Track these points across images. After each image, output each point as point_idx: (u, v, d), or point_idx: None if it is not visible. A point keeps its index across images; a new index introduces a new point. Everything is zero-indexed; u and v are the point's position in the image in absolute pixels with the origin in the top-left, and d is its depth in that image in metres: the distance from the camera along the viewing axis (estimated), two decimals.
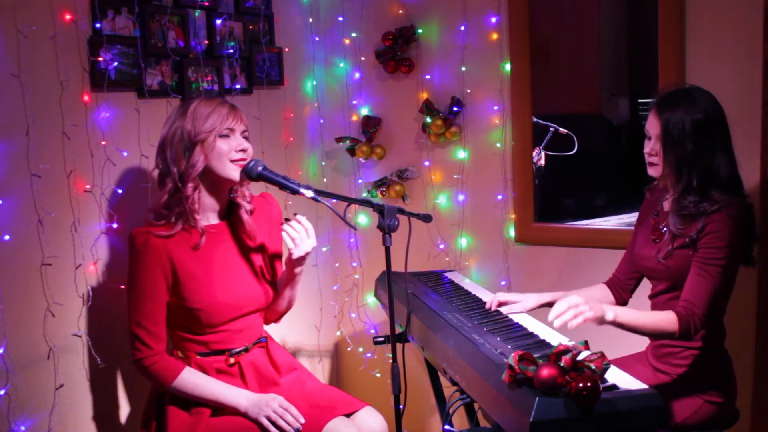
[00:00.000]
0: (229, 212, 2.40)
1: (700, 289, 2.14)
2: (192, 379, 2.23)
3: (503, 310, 2.41)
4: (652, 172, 2.31)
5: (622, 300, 2.52)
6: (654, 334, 2.17)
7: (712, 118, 2.20)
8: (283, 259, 2.47)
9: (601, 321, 2.05)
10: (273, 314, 2.52)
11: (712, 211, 2.16)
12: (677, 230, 2.22)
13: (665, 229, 2.29)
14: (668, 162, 2.23)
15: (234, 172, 2.26)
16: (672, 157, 2.21)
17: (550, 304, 2.43)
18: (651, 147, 2.28)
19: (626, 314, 2.11)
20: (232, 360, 2.31)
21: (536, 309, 2.45)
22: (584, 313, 2.00)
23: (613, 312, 2.07)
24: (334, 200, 2.33)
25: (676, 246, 2.24)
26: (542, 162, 3.31)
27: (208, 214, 2.34)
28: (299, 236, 2.31)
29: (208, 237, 2.29)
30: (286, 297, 2.48)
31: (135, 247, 2.21)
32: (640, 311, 2.16)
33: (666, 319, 2.12)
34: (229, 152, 2.25)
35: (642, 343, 2.45)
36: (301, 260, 2.36)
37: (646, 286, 2.44)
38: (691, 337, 2.15)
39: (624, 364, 2.35)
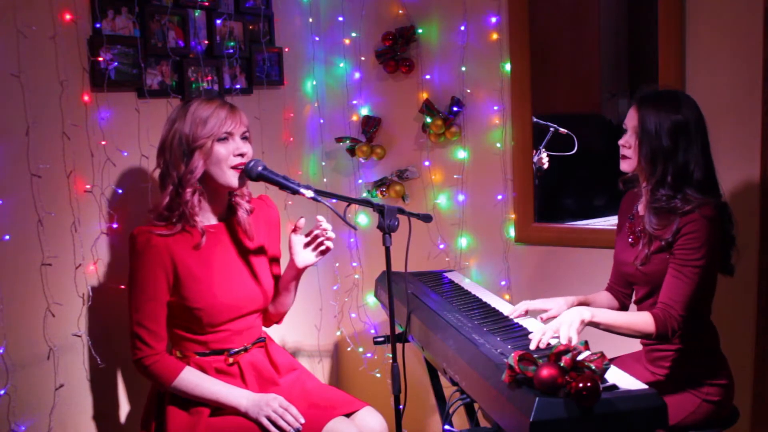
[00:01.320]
0: (229, 212, 2.40)
1: (676, 291, 2.14)
2: (192, 379, 2.22)
3: (543, 316, 2.34)
4: (624, 166, 2.30)
5: (623, 306, 2.52)
6: (631, 335, 2.16)
7: (692, 121, 2.20)
8: (286, 259, 2.47)
9: (582, 323, 2.06)
10: (276, 315, 2.52)
11: (686, 212, 2.16)
12: (653, 230, 2.22)
13: (641, 231, 2.29)
14: (643, 154, 2.22)
15: (233, 179, 2.26)
16: (647, 150, 2.20)
17: None
18: (626, 139, 2.28)
19: (603, 314, 2.12)
20: (231, 360, 2.31)
21: None
22: (567, 333, 2.01)
23: (590, 312, 2.08)
24: (334, 200, 2.33)
25: (652, 251, 2.24)
26: (545, 163, 3.30)
27: (208, 215, 2.34)
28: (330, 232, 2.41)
29: (208, 237, 2.29)
30: (292, 291, 2.49)
31: (136, 246, 2.21)
32: (619, 312, 2.17)
33: (642, 320, 2.13)
34: (228, 157, 2.24)
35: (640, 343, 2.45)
36: None
37: None
38: (669, 340, 2.15)
39: (623, 364, 2.35)
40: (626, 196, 2.48)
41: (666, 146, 2.18)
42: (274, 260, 2.50)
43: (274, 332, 2.56)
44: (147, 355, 2.19)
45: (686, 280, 2.14)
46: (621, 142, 2.29)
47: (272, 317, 2.52)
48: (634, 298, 2.39)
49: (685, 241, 2.15)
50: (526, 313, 2.35)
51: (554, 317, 2.32)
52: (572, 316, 2.06)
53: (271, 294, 2.44)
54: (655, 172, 2.21)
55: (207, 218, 2.33)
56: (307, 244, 2.42)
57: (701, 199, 2.17)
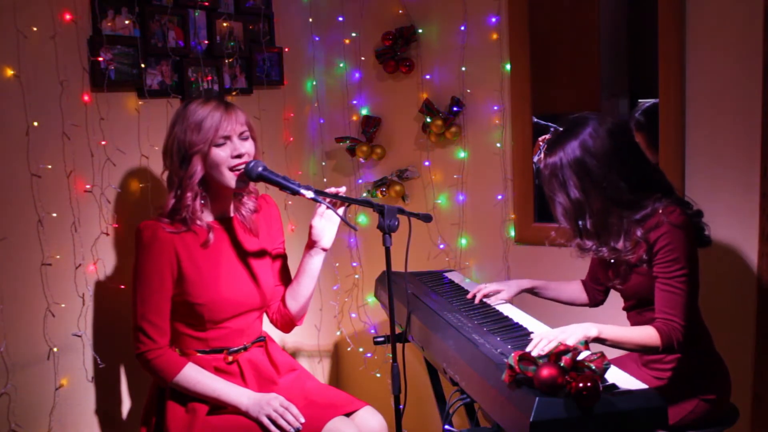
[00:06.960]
0: (233, 211, 2.40)
1: (671, 303, 2.13)
2: (194, 375, 2.22)
3: (489, 301, 2.47)
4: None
5: (596, 301, 2.59)
6: (638, 350, 2.16)
7: (590, 151, 2.17)
8: (291, 255, 2.47)
9: (586, 339, 2.04)
10: (296, 310, 2.48)
11: (653, 227, 2.14)
12: (627, 255, 2.21)
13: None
14: (561, 216, 2.24)
15: (231, 181, 2.26)
16: (561, 211, 2.23)
17: (530, 291, 2.58)
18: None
19: (610, 330, 2.09)
20: (230, 358, 2.32)
21: (518, 294, 2.58)
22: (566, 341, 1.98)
23: (596, 329, 2.05)
24: (335, 200, 2.33)
25: (630, 267, 2.24)
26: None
27: (212, 213, 2.34)
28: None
29: (213, 234, 2.29)
30: (306, 277, 2.46)
31: (143, 240, 2.21)
32: (624, 327, 2.16)
33: (648, 335, 2.12)
34: (226, 159, 2.24)
35: None
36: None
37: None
38: (675, 350, 2.15)
39: (622, 364, 2.35)
40: None
41: (574, 198, 2.18)
42: (278, 257, 2.49)
43: (273, 332, 2.56)
44: (150, 349, 2.19)
45: (676, 290, 2.13)
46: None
47: (291, 316, 2.48)
48: (622, 306, 2.40)
49: (663, 254, 2.14)
50: (483, 296, 2.51)
51: (504, 302, 2.45)
52: (577, 331, 2.03)
53: (272, 293, 2.44)
54: (576, 229, 2.23)
55: (210, 216, 2.33)
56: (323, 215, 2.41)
57: (654, 209, 2.15)
